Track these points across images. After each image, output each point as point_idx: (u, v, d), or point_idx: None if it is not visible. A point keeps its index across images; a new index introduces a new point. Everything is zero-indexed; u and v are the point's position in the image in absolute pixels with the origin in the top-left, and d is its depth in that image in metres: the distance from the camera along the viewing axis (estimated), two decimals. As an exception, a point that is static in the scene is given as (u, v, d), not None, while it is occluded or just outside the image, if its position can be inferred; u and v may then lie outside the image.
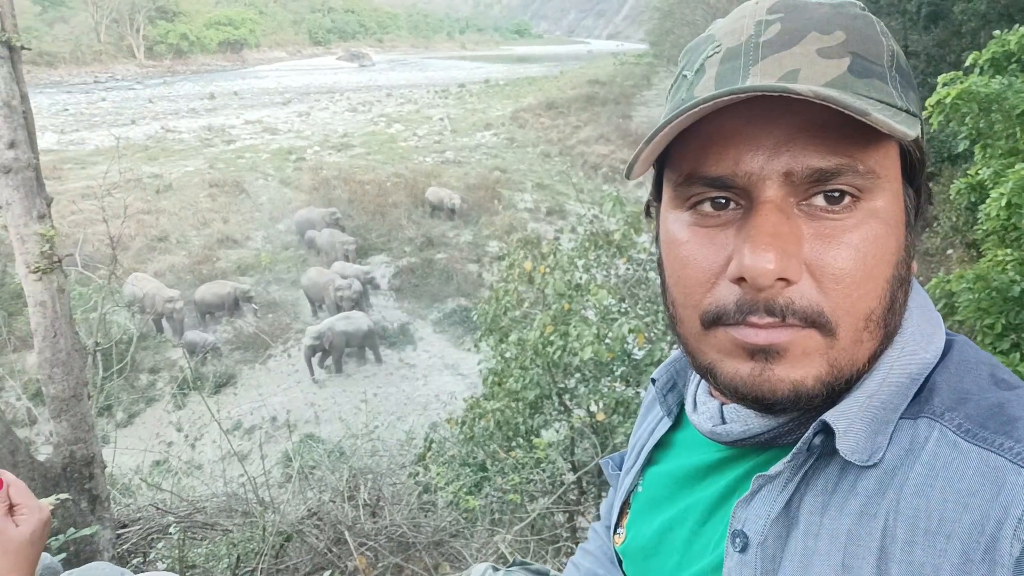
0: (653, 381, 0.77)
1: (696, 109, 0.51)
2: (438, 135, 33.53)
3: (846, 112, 0.48)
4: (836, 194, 0.52)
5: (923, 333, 0.58)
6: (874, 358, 0.56)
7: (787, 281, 0.52)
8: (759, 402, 0.56)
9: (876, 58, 0.53)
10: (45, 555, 1.35)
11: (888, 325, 0.55)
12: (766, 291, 0.52)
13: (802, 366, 0.54)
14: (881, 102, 0.51)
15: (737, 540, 0.57)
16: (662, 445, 0.76)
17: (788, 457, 0.55)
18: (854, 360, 0.55)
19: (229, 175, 24.79)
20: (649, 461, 0.77)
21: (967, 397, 0.53)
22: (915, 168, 0.57)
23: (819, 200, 0.53)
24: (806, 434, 0.55)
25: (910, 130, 0.49)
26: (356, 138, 32.36)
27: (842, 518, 0.53)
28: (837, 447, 0.53)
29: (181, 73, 61.38)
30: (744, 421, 0.61)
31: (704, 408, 0.66)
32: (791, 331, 0.53)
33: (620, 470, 0.85)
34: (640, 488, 0.76)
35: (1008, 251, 4.70)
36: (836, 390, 0.55)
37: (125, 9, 61.71)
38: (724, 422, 0.63)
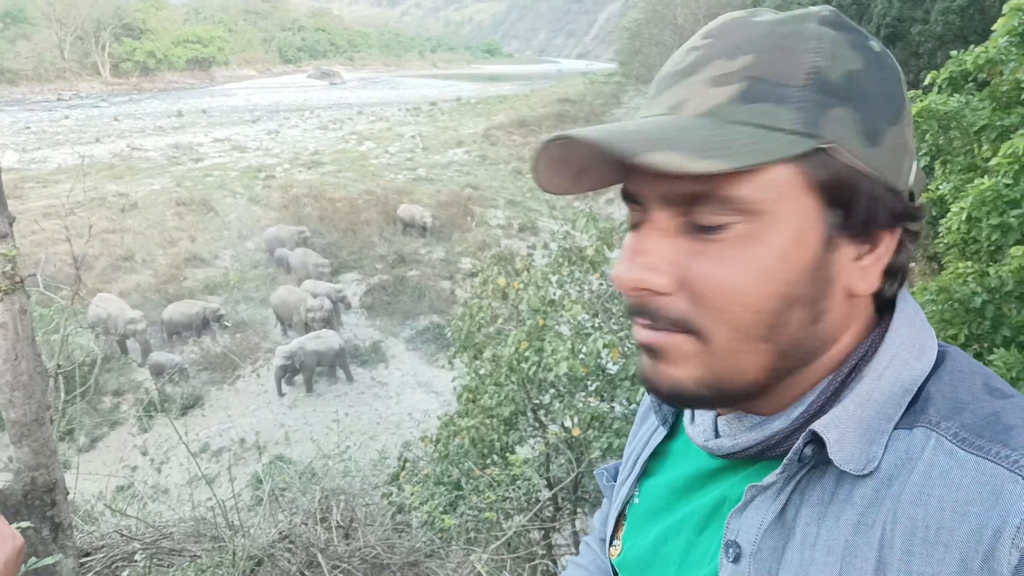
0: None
1: (541, 149, 0.54)
2: (410, 152, 33.56)
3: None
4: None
5: (914, 343, 0.58)
6: (779, 372, 0.56)
7: (653, 291, 0.55)
8: (655, 395, 0.60)
9: (785, 79, 0.52)
10: None
11: (780, 340, 0.55)
12: (639, 297, 0.56)
13: (680, 367, 0.56)
14: (764, 127, 0.51)
15: (730, 550, 0.58)
16: (658, 455, 0.76)
17: (779, 468, 0.56)
18: (737, 369, 0.55)
19: (197, 193, 24.47)
20: (645, 471, 0.76)
21: (962, 406, 0.53)
22: (841, 187, 0.53)
23: (697, 219, 0.54)
24: (796, 444, 0.55)
25: (740, 161, 0.49)
26: (327, 156, 32.23)
27: (839, 529, 0.53)
28: (831, 457, 0.53)
29: (148, 91, 60.68)
30: (733, 436, 0.61)
31: (700, 420, 0.67)
32: (663, 334, 0.56)
33: (615, 481, 0.84)
34: (636, 499, 0.76)
35: (968, 264, 4.83)
36: (729, 394, 0.57)
37: (90, 26, 60.92)
38: (717, 436, 0.64)
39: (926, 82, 5.44)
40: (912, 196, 0.57)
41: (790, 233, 0.53)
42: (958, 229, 4.68)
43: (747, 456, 0.61)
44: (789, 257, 0.53)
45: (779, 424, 0.58)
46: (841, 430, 0.54)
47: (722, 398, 0.58)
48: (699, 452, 0.68)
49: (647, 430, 0.78)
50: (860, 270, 0.55)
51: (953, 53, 5.23)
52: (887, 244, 0.56)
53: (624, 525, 0.76)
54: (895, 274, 0.58)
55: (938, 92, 5.22)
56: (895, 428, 0.54)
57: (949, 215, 4.82)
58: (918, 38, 15.24)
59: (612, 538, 0.78)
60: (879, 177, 0.53)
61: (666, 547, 0.68)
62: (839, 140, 0.51)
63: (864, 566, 0.51)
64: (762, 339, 0.55)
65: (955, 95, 5.10)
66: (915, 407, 0.55)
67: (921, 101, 5.07)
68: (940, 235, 5.03)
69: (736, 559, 0.57)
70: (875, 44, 0.55)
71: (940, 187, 5.40)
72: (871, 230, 0.54)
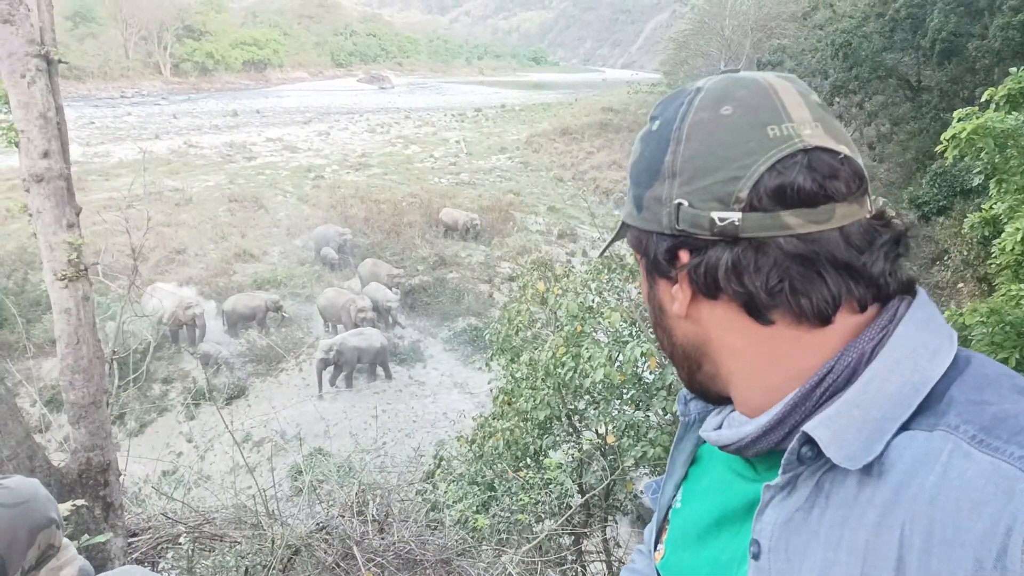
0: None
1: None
2: (454, 157, 33.86)
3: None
4: None
5: (926, 346, 0.60)
6: (684, 374, 0.74)
7: None
8: None
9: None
10: (80, 558, 1.39)
11: (664, 349, 0.75)
12: None
13: None
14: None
15: (752, 548, 0.63)
16: (696, 460, 0.81)
17: (781, 469, 0.61)
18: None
19: (248, 191, 25.11)
20: (685, 477, 0.81)
21: (986, 408, 0.56)
22: (637, 244, 0.72)
23: None
24: (791, 445, 0.60)
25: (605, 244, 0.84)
26: (374, 158, 32.74)
27: (861, 529, 0.56)
28: (827, 455, 0.57)
29: (205, 90, 62.55)
30: (720, 432, 0.69)
31: (716, 413, 0.73)
32: None
33: (660, 493, 0.88)
34: (678, 503, 0.80)
35: (1022, 286, 4.68)
36: (691, 388, 0.75)
37: (153, 27, 63.13)
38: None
39: (984, 99, 5.30)
40: (682, 230, 0.65)
41: (641, 275, 0.75)
42: (1012, 250, 4.56)
43: (729, 450, 0.68)
44: (644, 290, 0.75)
45: (750, 428, 0.65)
46: (835, 429, 0.58)
47: (693, 392, 0.76)
48: (729, 457, 0.73)
49: (690, 440, 0.83)
50: (675, 298, 0.69)
51: (1012, 70, 5.08)
52: (684, 273, 0.66)
53: (667, 529, 0.81)
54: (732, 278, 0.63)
55: (995, 110, 5.08)
56: (913, 429, 0.57)
57: (1004, 235, 4.69)
58: (975, 54, 14.75)
59: (656, 543, 0.82)
60: (650, 229, 0.68)
61: (704, 549, 0.72)
62: (627, 215, 0.72)
63: (884, 565, 0.54)
64: (660, 346, 0.77)
65: (1013, 113, 4.96)
66: (937, 409, 0.57)
67: (977, 118, 4.94)
68: (992, 256, 4.89)
69: (756, 556, 0.62)
70: (655, 124, 0.70)
71: (995, 207, 5.25)
72: (665, 267, 0.68)
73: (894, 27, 17.00)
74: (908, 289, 0.64)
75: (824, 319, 0.62)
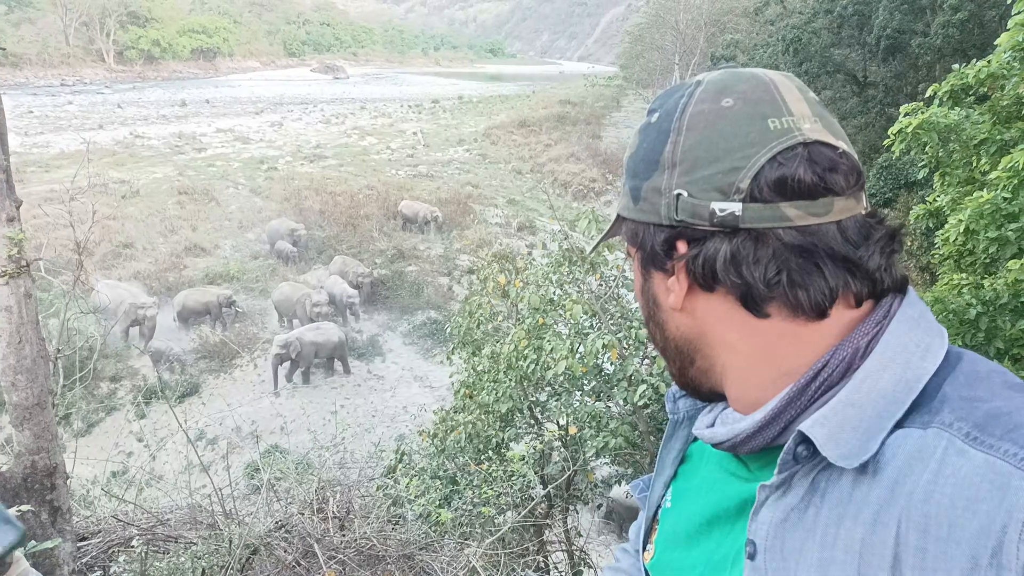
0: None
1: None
2: (411, 149, 33.56)
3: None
4: None
5: (918, 343, 0.61)
6: (675, 368, 0.73)
7: None
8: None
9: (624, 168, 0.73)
10: (32, 570, 1.33)
11: (656, 344, 0.75)
12: None
13: None
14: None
15: (748, 548, 0.62)
16: (685, 459, 0.81)
17: (777, 469, 0.61)
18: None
19: (199, 183, 24.45)
20: (674, 476, 0.81)
21: (978, 404, 0.56)
22: (632, 236, 0.72)
23: None
24: (787, 444, 0.60)
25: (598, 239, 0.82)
26: (329, 149, 32.22)
27: (857, 527, 0.56)
28: (823, 454, 0.57)
29: (152, 79, 60.56)
30: (714, 429, 0.68)
31: (708, 411, 0.73)
32: None
33: (647, 492, 0.87)
34: (667, 503, 0.80)
35: (963, 275, 4.87)
36: (681, 385, 0.74)
37: (95, 12, 60.75)
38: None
39: (928, 94, 5.49)
40: (681, 220, 0.65)
41: (635, 268, 0.74)
42: (955, 241, 4.73)
43: (723, 448, 0.67)
44: (637, 284, 0.74)
45: (745, 424, 0.65)
46: (831, 428, 0.58)
47: (684, 389, 0.75)
48: (721, 456, 0.73)
49: (679, 438, 0.82)
50: (670, 291, 0.69)
51: (955, 66, 5.27)
52: (680, 264, 0.66)
53: (656, 529, 0.80)
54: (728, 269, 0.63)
55: (939, 105, 5.26)
56: (908, 427, 0.57)
57: (947, 227, 4.86)
58: (917, 50, 15.30)
59: (645, 542, 0.82)
60: (648, 221, 0.68)
61: (696, 549, 0.72)
62: (622, 207, 0.72)
63: (881, 563, 0.54)
64: (651, 341, 0.76)
65: (955, 108, 5.15)
66: (931, 406, 0.58)
67: (922, 114, 5.12)
68: (936, 246, 5.08)
69: (752, 555, 0.62)
70: (654, 116, 0.69)
71: (938, 199, 5.45)
72: (662, 259, 0.68)
73: (841, 23, 17.48)
74: (901, 287, 0.64)
75: (820, 312, 0.62)
